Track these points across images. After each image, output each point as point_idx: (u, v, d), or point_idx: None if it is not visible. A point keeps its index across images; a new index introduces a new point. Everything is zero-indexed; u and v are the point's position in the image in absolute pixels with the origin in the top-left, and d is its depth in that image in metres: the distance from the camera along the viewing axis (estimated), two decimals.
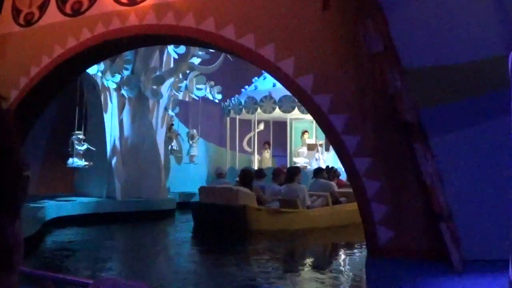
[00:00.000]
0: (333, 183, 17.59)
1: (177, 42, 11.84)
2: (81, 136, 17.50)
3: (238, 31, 9.01)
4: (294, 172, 16.33)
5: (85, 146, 17.54)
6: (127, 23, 10.05)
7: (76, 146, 17.40)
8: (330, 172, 18.64)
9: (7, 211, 1.07)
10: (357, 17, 8.06)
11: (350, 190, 17.03)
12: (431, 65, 7.91)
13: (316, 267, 11.76)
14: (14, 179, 1.07)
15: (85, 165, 17.52)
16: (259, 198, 15.33)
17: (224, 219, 14.50)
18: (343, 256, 12.95)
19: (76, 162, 17.33)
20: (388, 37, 7.53)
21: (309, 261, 12.66)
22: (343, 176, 18.68)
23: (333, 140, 8.31)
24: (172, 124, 22.22)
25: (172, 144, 22.12)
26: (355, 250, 13.01)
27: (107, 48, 10.60)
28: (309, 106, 8.43)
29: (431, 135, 7.60)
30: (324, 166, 20.59)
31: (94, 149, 17.79)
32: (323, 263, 12.07)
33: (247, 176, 16.01)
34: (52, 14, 11.14)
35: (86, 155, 17.76)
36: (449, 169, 7.71)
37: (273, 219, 14.75)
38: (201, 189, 16.54)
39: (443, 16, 8.05)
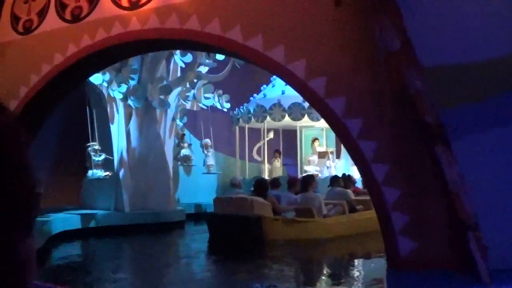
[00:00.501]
0: (350, 191, 17.13)
1: (181, 46, 11.25)
2: (96, 147, 17.18)
3: (245, 33, 8.47)
4: (309, 180, 15.98)
5: (102, 157, 17.22)
6: (129, 28, 9.53)
7: (94, 157, 17.07)
8: (347, 179, 18.18)
9: (19, 227, 1.06)
10: (372, 14, 7.53)
11: (367, 197, 16.82)
12: (450, 63, 7.38)
13: (333, 277, 11.36)
14: (27, 195, 1.07)
15: (106, 175, 17.20)
16: (274, 207, 14.96)
17: (239, 230, 14.15)
18: (361, 266, 12.49)
19: (96, 173, 17.05)
20: (404, 34, 7.00)
21: (326, 271, 12.29)
22: (359, 184, 18.58)
23: (349, 146, 7.76)
24: (184, 134, 21.74)
25: (187, 154, 21.57)
26: (374, 260, 12.57)
27: (109, 55, 10.06)
28: (322, 110, 7.89)
29: (452, 138, 7.07)
30: (335, 174, 20.21)
31: (112, 157, 17.44)
32: (341, 273, 11.61)
33: (261, 186, 15.69)
34: (52, 21, 10.60)
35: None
36: (472, 174, 7.17)
37: (289, 228, 14.39)
38: (216, 199, 16.17)
39: (460, 12, 7.55)
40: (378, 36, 7.43)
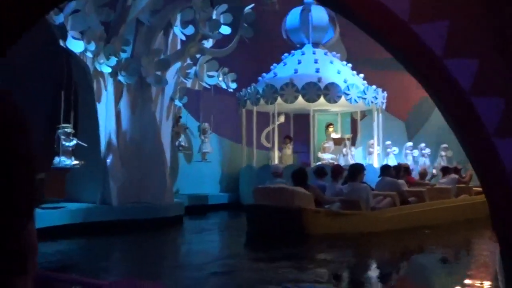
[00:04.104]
0: (402, 181, 15.24)
1: None
2: (68, 130, 13.97)
3: None
4: (359, 169, 13.98)
5: (74, 142, 14.03)
6: None
7: (63, 142, 13.89)
8: (398, 169, 16.13)
9: (21, 214, 1.07)
10: None
11: (422, 189, 15.05)
12: None
13: (383, 278, 9.59)
14: (28, 182, 1.07)
15: (75, 164, 14.02)
16: (318, 199, 13.24)
17: (279, 222, 12.64)
18: (414, 265, 10.98)
19: (63, 161, 13.85)
20: None
21: (373, 270, 10.46)
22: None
23: (455, 105, 4.20)
24: (180, 117, 18.63)
25: (180, 140, 18.45)
26: (428, 257, 11.34)
27: None
28: (407, 47, 4.34)
29: None
30: (352, 162, 18.23)
31: (85, 145, 14.22)
32: (392, 273, 10.06)
33: (301, 175, 13.70)
34: None
35: (76, 152, 14.33)
36: None
37: (332, 222, 12.85)
38: (255, 189, 14.31)
39: None
40: None
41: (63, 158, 13.75)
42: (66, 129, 13.81)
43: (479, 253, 11.55)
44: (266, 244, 12.30)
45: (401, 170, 16.19)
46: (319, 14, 20.31)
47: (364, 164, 17.50)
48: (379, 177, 15.44)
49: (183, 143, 18.82)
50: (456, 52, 4.11)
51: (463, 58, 4.11)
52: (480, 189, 17.31)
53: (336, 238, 12.34)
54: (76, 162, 13.91)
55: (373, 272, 10.24)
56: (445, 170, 17.60)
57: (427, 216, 14.11)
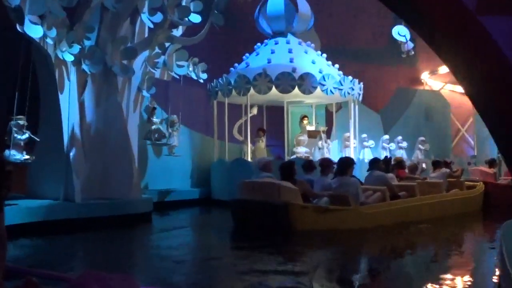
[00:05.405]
0: (392, 175, 14.83)
1: None
2: (22, 122, 12.97)
3: None
4: (349, 162, 13.44)
5: (26, 135, 13.01)
6: None
7: (15, 135, 12.87)
8: (388, 162, 15.61)
9: None
10: None
11: (412, 183, 14.35)
12: None
13: (373, 275, 9.05)
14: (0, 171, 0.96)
15: (26, 159, 13.01)
16: (306, 193, 12.77)
17: (264, 218, 12.26)
18: (406, 261, 10.32)
19: (13, 155, 12.82)
20: None
21: (363, 267, 9.84)
22: None
23: (492, 73, 3.31)
24: (155, 108, 17.57)
25: (161, 130, 17.50)
26: (418, 253, 10.91)
27: None
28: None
29: None
30: (329, 156, 18.11)
31: (37, 139, 13.27)
32: (379, 270, 9.37)
33: (288, 169, 13.26)
34: None
35: (37, 146, 13.43)
36: None
37: (320, 217, 12.32)
38: (241, 184, 13.69)
39: None
40: None
41: (13, 152, 12.75)
42: (19, 121, 12.82)
43: (472, 249, 11.21)
44: (249, 239, 11.74)
45: (392, 164, 15.69)
46: (275, 3, 19.45)
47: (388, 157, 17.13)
48: (367, 171, 14.90)
49: (162, 132, 17.78)
50: (490, 9, 3.20)
51: (498, 14, 3.21)
52: (471, 183, 17.07)
53: (324, 234, 11.85)
54: (27, 156, 12.92)
55: (359, 268, 9.69)
56: (436, 164, 16.98)
57: (417, 211, 13.79)
